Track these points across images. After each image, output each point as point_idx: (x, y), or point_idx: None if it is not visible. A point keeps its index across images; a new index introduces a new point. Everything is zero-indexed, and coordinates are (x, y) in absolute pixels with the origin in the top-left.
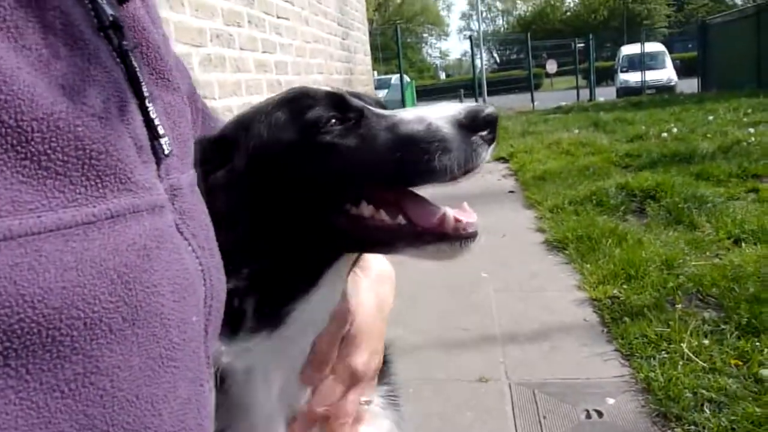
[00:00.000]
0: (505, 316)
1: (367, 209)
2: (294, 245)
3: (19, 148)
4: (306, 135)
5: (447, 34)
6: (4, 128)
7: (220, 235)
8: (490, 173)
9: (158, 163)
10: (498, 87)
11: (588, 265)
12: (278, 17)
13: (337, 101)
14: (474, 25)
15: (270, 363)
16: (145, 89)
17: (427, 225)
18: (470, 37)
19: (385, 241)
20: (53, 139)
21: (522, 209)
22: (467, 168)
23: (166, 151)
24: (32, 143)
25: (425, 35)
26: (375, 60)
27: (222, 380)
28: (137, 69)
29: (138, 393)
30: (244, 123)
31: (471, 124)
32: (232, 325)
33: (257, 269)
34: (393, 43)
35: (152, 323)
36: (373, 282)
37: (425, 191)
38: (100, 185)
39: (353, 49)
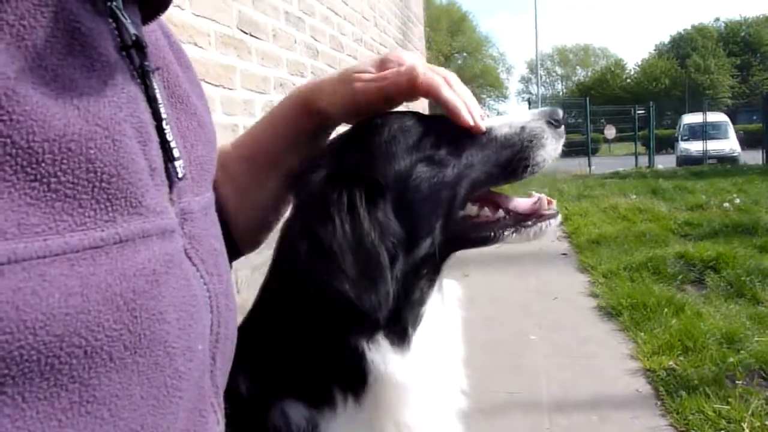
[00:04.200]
0: (553, 382)
1: (472, 209)
2: (422, 250)
3: (28, 169)
4: (423, 154)
5: (506, 97)
6: (15, 149)
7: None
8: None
9: (171, 186)
10: None
11: (642, 334)
12: None
13: (429, 121)
14: (533, 89)
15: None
16: (162, 110)
17: (528, 209)
18: (528, 100)
19: (492, 233)
20: (64, 161)
21: (575, 273)
22: (554, 158)
23: (180, 175)
24: (42, 165)
25: (484, 96)
26: None
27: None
28: (156, 90)
29: (143, 422)
30: (371, 150)
31: (554, 121)
32: (400, 340)
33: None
34: None
35: (156, 351)
36: None
37: None
38: (110, 209)
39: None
